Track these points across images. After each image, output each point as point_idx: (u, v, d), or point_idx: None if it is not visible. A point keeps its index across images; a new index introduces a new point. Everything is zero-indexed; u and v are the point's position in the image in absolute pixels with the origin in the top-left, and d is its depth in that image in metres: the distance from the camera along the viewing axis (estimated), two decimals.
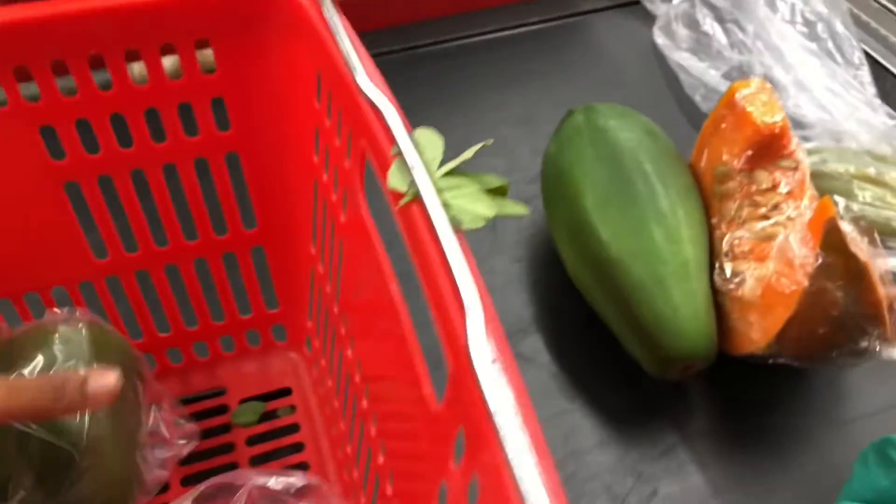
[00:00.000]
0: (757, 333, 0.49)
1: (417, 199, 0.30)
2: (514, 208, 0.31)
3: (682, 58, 0.74)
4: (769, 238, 0.51)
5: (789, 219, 0.51)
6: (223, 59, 0.42)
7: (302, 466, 0.48)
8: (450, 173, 0.31)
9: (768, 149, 0.53)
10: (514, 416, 0.23)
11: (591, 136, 0.56)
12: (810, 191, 0.53)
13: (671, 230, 0.51)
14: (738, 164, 0.54)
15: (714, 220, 0.54)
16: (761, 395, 0.54)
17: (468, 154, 0.31)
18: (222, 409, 0.51)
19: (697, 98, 0.72)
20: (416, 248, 0.30)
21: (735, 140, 0.54)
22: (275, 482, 0.36)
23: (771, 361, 0.49)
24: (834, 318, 0.45)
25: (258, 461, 0.49)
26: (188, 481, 0.46)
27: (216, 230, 0.48)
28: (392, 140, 0.32)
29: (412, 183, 0.30)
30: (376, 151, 0.33)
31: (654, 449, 0.51)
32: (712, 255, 0.53)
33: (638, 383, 0.53)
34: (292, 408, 0.51)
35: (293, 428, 0.50)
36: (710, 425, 0.53)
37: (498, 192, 0.32)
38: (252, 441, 0.50)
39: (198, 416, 0.50)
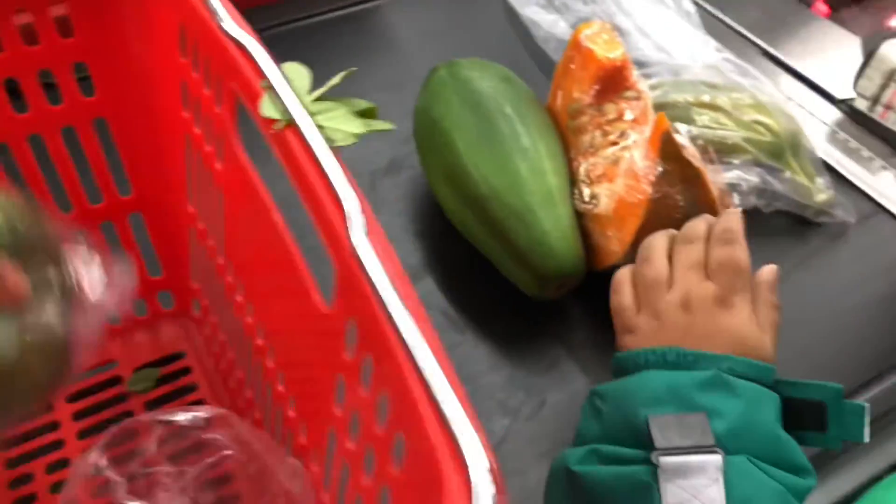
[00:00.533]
0: (615, 245, 0.54)
1: (291, 124, 0.31)
2: (382, 125, 0.33)
3: (532, 12, 0.78)
4: (618, 161, 0.56)
5: (635, 143, 0.56)
6: (80, 21, 0.42)
7: None
8: (319, 99, 0.33)
9: (612, 82, 0.58)
10: (399, 300, 0.25)
11: (455, 87, 0.60)
12: (652, 117, 0.57)
13: (534, 164, 0.56)
14: (587, 99, 0.58)
15: (571, 154, 0.59)
16: None
17: (336, 80, 0.33)
18: (116, 381, 0.51)
19: (549, 49, 0.76)
20: (294, 168, 0.31)
21: (583, 78, 0.58)
22: (181, 417, 0.37)
23: None
24: (677, 220, 0.49)
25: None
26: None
27: (91, 199, 0.48)
28: (261, 75, 0.33)
29: (285, 110, 0.32)
30: (247, 89, 0.35)
31: (541, 363, 0.55)
32: (572, 184, 0.57)
33: (521, 308, 0.57)
34: (188, 369, 0.52)
35: (191, 388, 0.51)
36: (588, 336, 0.57)
37: (367, 114, 0.34)
38: (150, 405, 0.50)
39: (92, 391, 0.50)
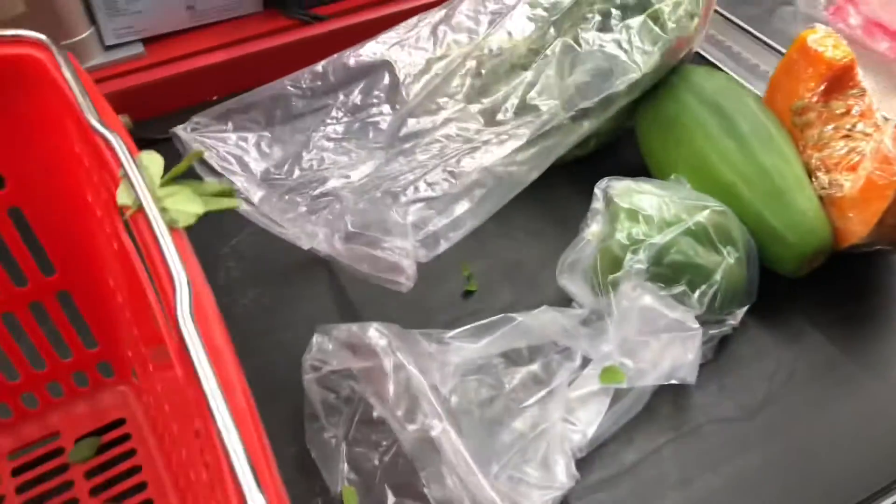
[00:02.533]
0: (858, 226, 0.60)
1: (140, 209, 0.34)
2: (227, 203, 0.35)
3: None
4: (853, 151, 0.63)
5: (865, 134, 0.63)
6: None
7: (141, 487, 0.51)
8: (170, 183, 0.35)
9: (839, 81, 0.65)
10: (214, 380, 0.27)
11: (687, 87, 0.68)
12: (877, 111, 0.65)
13: (779, 153, 0.63)
14: (814, 97, 0.65)
15: (799, 147, 0.66)
16: (861, 279, 0.66)
17: (182, 166, 0.36)
18: (59, 452, 0.53)
19: None
20: (145, 248, 0.34)
21: (810, 77, 0.66)
22: None
23: (869, 250, 0.61)
24: None
25: (98, 490, 0.51)
26: None
27: (16, 282, 0.51)
28: (119, 165, 0.36)
29: (136, 197, 0.34)
30: (112, 177, 0.37)
31: (788, 334, 0.62)
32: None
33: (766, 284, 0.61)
34: (128, 435, 0.54)
35: (130, 454, 0.53)
36: (829, 310, 0.63)
37: (222, 194, 0.36)
38: (91, 474, 0.52)
39: (35, 464, 0.52)
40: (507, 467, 0.51)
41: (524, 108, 0.67)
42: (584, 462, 0.52)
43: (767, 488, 0.53)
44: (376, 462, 0.50)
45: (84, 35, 0.75)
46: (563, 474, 0.50)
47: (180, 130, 0.60)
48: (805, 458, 0.54)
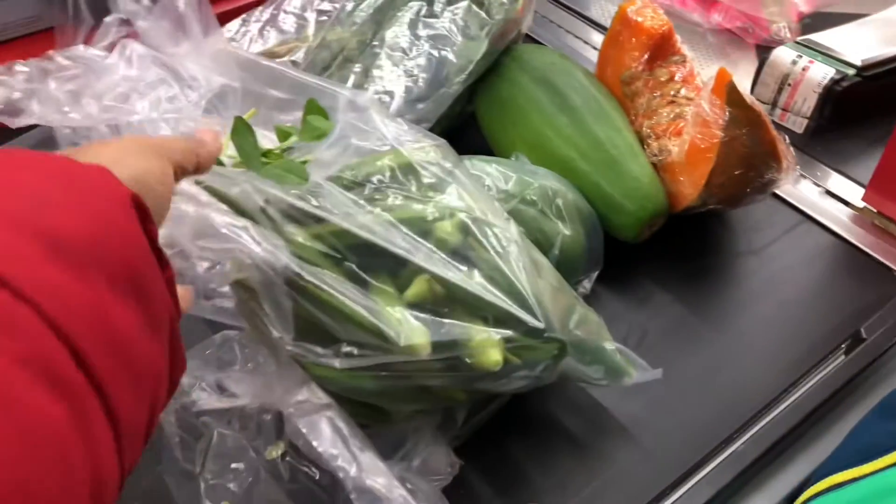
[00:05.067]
0: (689, 188, 0.62)
1: None
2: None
3: None
4: (679, 116, 0.66)
5: (688, 98, 0.66)
6: None
7: None
8: None
9: (660, 49, 0.68)
10: None
11: (521, 67, 0.69)
12: (698, 76, 0.68)
13: (611, 125, 0.65)
14: (639, 66, 0.67)
15: (631, 117, 0.68)
16: (697, 238, 0.69)
17: None
18: None
19: None
20: None
21: (634, 47, 0.68)
22: None
23: (702, 210, 0.64)
24: (744, 158, 0.59)
25: None
26: None
27: None
28: None
29: None
30: None
31: (637, 298, 0.64)
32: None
33: (612, 253, 0.63)
34: None
35: None
36: (673, 270, 0.66)
37: None
38: None
39: None
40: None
41: None
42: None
43: (629, 447, 0.54)
44: (235, 489, 0.48)
45: None
46: (443, 467, 0.50)
47: None
48: (662, 413, 0.56)
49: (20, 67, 0.51)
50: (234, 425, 0.51)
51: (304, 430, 0.45)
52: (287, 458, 0.50)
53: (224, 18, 0.70)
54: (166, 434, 0.50)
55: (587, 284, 0.61)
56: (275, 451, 0.51)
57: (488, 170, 0.59)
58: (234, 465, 0.50)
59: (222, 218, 0.43)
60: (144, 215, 0.30)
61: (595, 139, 0.64)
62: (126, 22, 0.54)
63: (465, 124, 0.75)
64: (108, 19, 0.54)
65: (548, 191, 0.59)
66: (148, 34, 0.53)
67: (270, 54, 0.69)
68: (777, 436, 0.52)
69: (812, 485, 0.40)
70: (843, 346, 0.58)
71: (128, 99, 0.52)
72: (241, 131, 0.47)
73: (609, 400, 0.57)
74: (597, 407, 0.56)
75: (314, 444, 0.45)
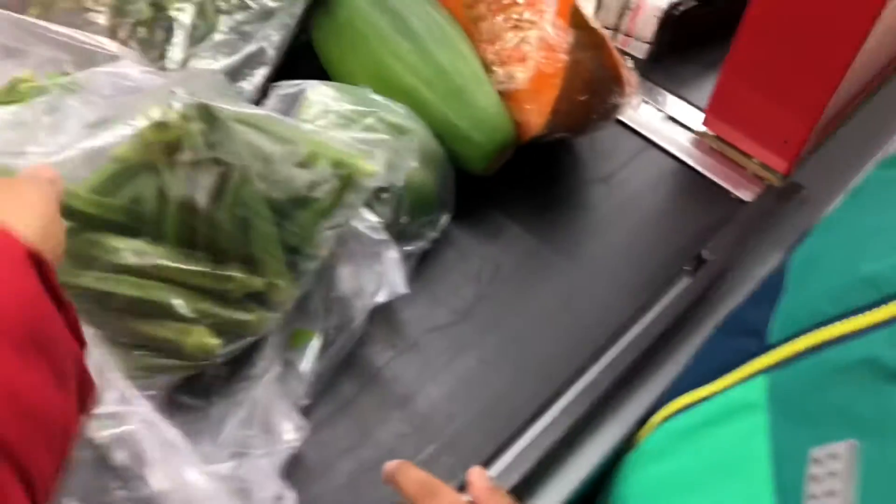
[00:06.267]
0: (536, 117, 0.59)
1: None
2: None
3: None
4: (523, 41, 0.61)
5: (532, 22, 0.61)
6: None
7: None
8: None
9: None
10: None
11: None
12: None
13: (455, 51, 0.61)
14: None
15: (475, 42, 0.64)
16: (546, 167, 0.67)
17: None
18: None
19: None
20: None
21: None
22: None
23: (550, 139, 0.62)
24: (589, 84, 0.57)
25: None
26: None
27: None
28: None
29: None
30: None
31: (489, 232, 0.62)
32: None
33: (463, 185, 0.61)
34: None
35: None
36: (524, 201, 0.64)
37: None
38: None
39: None
40: (226, 444, 0.46)
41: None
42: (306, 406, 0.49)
43: (487, 387, 0.53)
44: None
45: None
46: (290, 432, 0.46)
47: None
48: (518, 346, 0.55)
49: None
50: None
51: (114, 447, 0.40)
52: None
53: None
54: None
55: (440, 224, 0.58)
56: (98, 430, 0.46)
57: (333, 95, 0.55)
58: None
59: None
60: (43, 267, 0.30)
61: (440, 67, 0.60)
62: None
63: (300, 53, 0.69)
64: None
65: (401, 129, 0.55)
66: None
67: None
68: (628, 361, 0.53)
69: (663, 406, 0.40)
70: (687, 267, 0.59)
71: None
72: None
73: (462, 335, 0.55)
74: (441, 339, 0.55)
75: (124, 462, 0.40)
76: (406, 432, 0.50)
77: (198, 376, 0.48)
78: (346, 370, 0.52)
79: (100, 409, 0.39)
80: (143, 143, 0.45)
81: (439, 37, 0.62)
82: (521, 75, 0.61)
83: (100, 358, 0.41)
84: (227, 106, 0.46)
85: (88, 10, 0.60)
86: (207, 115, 0.44)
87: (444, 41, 0.62)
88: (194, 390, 0.48)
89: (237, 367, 0.49)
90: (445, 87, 0.60)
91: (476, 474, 0.43)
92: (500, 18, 0.64)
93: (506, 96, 0.62)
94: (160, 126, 0.44)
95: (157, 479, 0.39)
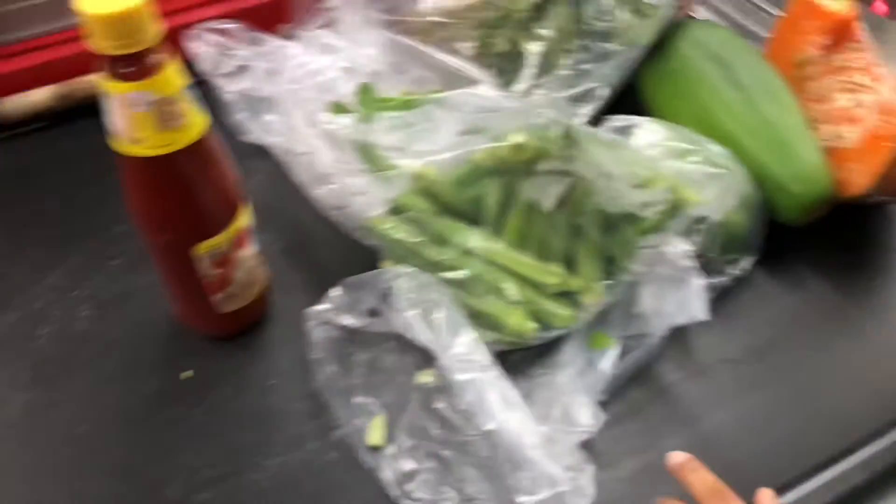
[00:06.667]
0: (860, 177, 0.61)
1: None
2: None
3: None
4: (857, 103, 0.63)
5: (866, 86, 0.63)
6: None
7: None
8: None
9: (840, 35, 0.66)
10: None
11: (690, 42, 0.70)
12: (876, 65, 0.64)
13: (782, 103, 0.64)
14: (816, 50, 0.66)
15: (800, 100, 0.66)
16: (858, 229, 0.68)
17: None
18: None
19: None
20: None
21: (811, 30, 0.67)
22: None
23: (869, 202, 0.62)
24: None
25: None
26: None
27: None
28: None
29: None
30: None
31: (787, 282, 0.63)
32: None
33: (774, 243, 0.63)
34: None
35: None
36: (834, 258, 0.65)
37: None
38: None
39: None
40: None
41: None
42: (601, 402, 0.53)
43: (775, 425, 0.54)
44: (386, 407, 0.52)
45: None
46: (588, 418, 0.51)
47: None
48: (810, 398, 0.55)
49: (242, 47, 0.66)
50: (390, 346, 0.55)
51: (462, 388, 0.47)
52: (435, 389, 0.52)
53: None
54: (323, 351, 0.53)
55: (745, 265, 0.61)
56: (424, 377, 0.54)
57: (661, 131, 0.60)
58: (385, 384, 0.53)
59: None
60: None
61: (764, 117, 0.63)
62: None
63: (624, 91, 0.75)
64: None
65: (724, 168, 0.59)
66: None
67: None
68: None
69: None
70: None
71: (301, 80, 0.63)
72: (364, 91, 0.59)
73: (753, 373, 0.56)
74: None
75: (468, 401, 0.47)
76: (689, 447, 0.52)
77: (505, 354, 0.54)
78: (639, 380, 0.55)
79: (453, 354, 0.47)
80: (497, 157, 0.52)
81: (767, 90, 0.65)
82: (848, 135, 0.63)
83: (456, 314, 0.49)
84: (584, 128, 0.53)
85: (458, 41, 0.71)
86: (569, 133, 0.51)
87: (770, 94, 0.65)
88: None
89: (542, 354, 0.55)
90: (768, 136, 0.63)
91: (767, 495, 0.44)
92: (830, 80, 0.66)
93: (828, 153, 0.63)
94: (518, 147, 0.52)
95: (493, 422, 0.45)
